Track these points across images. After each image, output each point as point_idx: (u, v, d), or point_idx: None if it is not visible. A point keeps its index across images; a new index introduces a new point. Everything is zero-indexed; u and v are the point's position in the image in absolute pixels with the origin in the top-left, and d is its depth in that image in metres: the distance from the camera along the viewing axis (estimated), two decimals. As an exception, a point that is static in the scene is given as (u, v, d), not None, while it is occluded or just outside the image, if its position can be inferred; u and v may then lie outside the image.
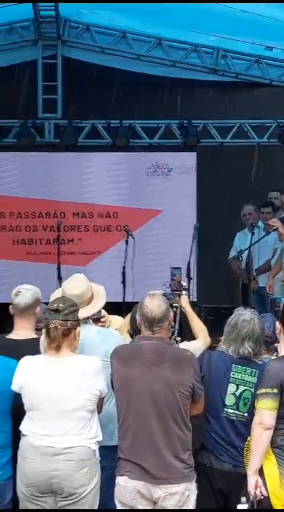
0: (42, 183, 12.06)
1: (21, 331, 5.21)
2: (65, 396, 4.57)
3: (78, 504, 4.56)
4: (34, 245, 12.09)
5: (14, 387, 4.68)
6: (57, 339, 4.60)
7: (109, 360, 4.76)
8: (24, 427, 4.65)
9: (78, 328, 4.70)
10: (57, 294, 5.25)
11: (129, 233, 10.72)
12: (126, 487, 4.55)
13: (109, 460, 4.72)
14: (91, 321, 5.21)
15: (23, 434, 4.64)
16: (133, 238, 10.71)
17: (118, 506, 4.59)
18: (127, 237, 10.69)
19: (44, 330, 4.69)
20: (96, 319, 5.33)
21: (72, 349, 4.68)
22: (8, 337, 5.27)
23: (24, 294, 5.21)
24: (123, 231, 11.01)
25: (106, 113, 11.90)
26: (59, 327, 4.59)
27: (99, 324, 5.37)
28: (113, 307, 5.86)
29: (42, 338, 4.72)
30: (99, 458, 4.67)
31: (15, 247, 12.04)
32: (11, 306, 5.25)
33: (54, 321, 4.60)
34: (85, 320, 5.09)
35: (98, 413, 4.71)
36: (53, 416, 4.57)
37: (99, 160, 12.18)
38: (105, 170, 12.10)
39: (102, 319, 5.43)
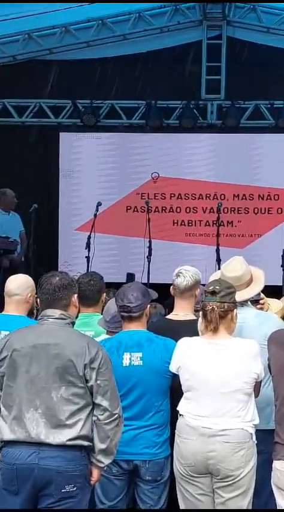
0: (204, 165, 12.08)
1: (181, 311, 5.24)
2: (223, 378, 4.57)
3: (234, 486, 4.56)
4: (193, 226, 12.14)
5: (172, 368, 4.72)
6: (214, 321, 4.60)
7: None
8: (181, 407, 4.68)
9: (235, 310, 4.68)
10: (215, 275, 5.25)
11: (290, 216, 10.57)
12: (283, 471, 4.50)
13: (266, 443, 4.68)
14: (250, 303, 5.18)
15: (180, 415, 4.67)
16: (294, 220, 10.55)
17: (275, 491, 4.55)
18: (288, 220, 10.55)
19: (201, 312, 4.70)
20: (255, 301, 5.28)
21: (230, 332, 4.67)
22: (167, 317, 5.34)
23: (185, 275, 5.23)
24: (284, 213, 10.88)
25: (269, 94, 11.77)
26: (216, 308, 4.58)
27: (258, 307, 5.32)
28: (272, 291, 5.81)
29: (200, 320, 4.74)
30: (256, 442, 4.65)
31: (174, 228, 12.14)
32: (171, 287, 5.29)
33: (211, 302, 4.60)
34: (244, 303, 5.08)
35: (255, 397, 4.67)
36: (210, 398, 4.57)
37: (260, 142, 12.08)
38: (265, 151, 11.99)
39: (260, 301, 5.39)
